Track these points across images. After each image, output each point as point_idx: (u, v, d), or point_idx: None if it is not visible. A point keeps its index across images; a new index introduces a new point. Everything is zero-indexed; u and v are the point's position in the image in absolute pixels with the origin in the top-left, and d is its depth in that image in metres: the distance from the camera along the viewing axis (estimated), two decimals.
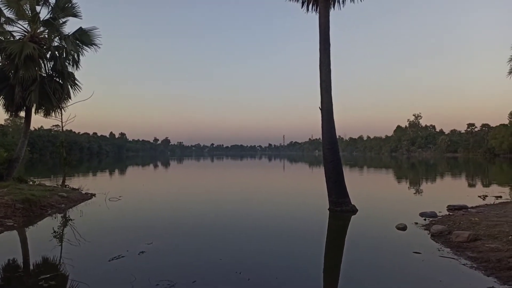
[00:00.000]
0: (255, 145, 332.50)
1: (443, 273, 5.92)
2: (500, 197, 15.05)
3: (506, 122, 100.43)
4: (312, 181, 26.89)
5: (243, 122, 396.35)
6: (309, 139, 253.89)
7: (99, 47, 17.43)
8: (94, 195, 15.41)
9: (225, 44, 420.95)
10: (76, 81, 17.51)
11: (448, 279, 5.59)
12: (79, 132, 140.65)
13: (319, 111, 13.03)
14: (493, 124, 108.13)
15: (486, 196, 15.26)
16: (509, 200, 13.94)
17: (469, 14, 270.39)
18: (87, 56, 17.89)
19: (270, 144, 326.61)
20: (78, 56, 17.06)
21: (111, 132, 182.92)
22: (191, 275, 5.73)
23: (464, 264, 6.22)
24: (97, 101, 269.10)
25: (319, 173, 17.66)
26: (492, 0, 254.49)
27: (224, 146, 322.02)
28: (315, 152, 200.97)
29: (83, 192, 15.95)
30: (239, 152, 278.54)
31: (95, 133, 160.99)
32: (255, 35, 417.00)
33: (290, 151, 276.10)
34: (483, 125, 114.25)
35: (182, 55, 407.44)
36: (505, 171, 39.85)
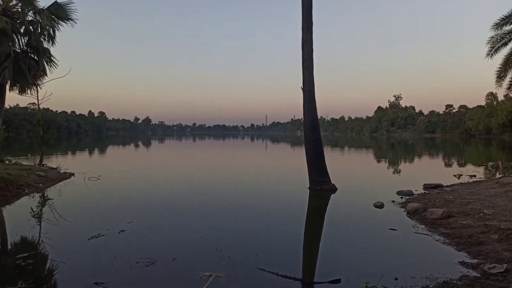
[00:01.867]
0: (237, 125, 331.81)
1: (417, 248, 6.14)
2: (474, 176, 15.56)
3: (483, 103, 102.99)
4: (293, 161, 27.14)
5: (225, 102, 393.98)
6: (292, 119, 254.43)
7: (76, 23, 16.76)
8: (72, 174, 15.19)
9: (208, 22, 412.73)
10: (52, 58, 16.90)
11: (421, 254, 5.80)
12: (56, 111, 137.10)
13: (301, 91, 13.04)
14: (470, 106, 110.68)
15: (461, 175, 15.76)
16: (482, 179, 14.44)
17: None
18: (64, 32, 17.23)
19: (252, 124, 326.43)
20: (54, 31, 16.41)
21: (90, 111, 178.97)
22: (172, 252, 5.77)
23: (437, 240, 6.46)
24: (76, 79, 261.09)
25: (300, 152, 17.82)
26: None
27: (206, 125, 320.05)
28: (297, 132, 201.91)
29: (62, 171, 15.71)
30: (222, 132, 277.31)
31: (73, 112, 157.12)
32: (237, 13, 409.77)
33: (273, 131, 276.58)
34: (461, 107, 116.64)
35: (164, 33, 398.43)
36: (480, 151, 41.07)
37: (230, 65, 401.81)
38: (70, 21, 16.64)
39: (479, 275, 4.68)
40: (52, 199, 10.61)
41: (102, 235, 6.60)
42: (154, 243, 6.45)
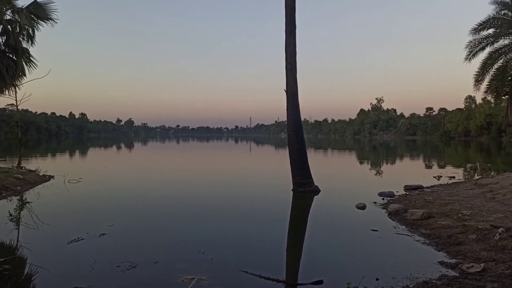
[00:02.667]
0: (221, 127, 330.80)
1: (397, 249, 6.24)
2: (453, 177, 15.91)
3: (462, 106, 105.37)
4: (277, 163, 27.23)
5: (209, 103, 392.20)
6: (276, 121, 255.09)
7: (56, 22, 16.53)
8: (52, 177, 14.88)
9: (191, 24, 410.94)
10: (31, 58, 16.61)
11: (402, 254, 5.90)
12: (36, 112, 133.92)
13: (285, 93, 13.10)
14: (450, 109, 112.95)
15: (441, 176, 16.09)
16: (461, 180, 14.77)
17: (431, 1, 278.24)
18: (44, 32, 16.87)
19: (236, 126, 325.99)
20: (33, 31, 16.14)
21: (70, 112, 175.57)
22: (154, 256, 5.70)
23: (417, 241, 6.57)
24: (56, 79, 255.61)
25: (284, 154, 17.90)
26: None
27: (190, 127, 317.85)
28: (281, 134, 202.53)
29: (41, 174, 15.35)
30: (206, 133, 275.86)
31: (53, 113, 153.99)
32: (221, 15, 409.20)
33: (257, 133, 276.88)
34: (441, 109, 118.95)
35: (146, 34, 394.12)
36: (459, 153, 42.03)
37: (214, 66, 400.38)
38: (50, 20, 16.37)
39: (457, 274, 4.78)
40: (31, 202, 10.36)
41: (82, 239, 6.48)
42: (136, 246, 6.36)
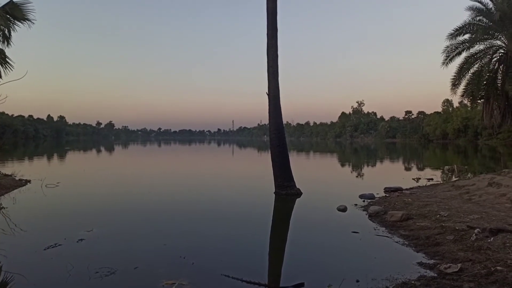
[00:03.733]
0: (204, 130, 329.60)
1: (378, 250, 6.31)
2: (432, 179, 16.24)
3: (440, 110, 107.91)
4: (259, 166, 27.24)
5: (191, 106, 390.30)
6: (258, 124, 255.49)
7: (34, 23, 16.11)
8: (29, 181, 14.50)
9: (173, 26, 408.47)
10: (7, 59, 16.10)
11: (382, 256, 5.97)
12: (13, 115, 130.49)
13: (267, 96, 13.14)
14: (428, 112, 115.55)
15: (419, 178, 16.40)
16: (439, 182, 15.09)
17: (409, 7, 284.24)
18: (21, 32, 16.44)
19: (219, 129, 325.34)
20: (10, 32, 15.68)
21: (49, 115, 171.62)
22: (133, 261, 5.61)
23: (397, 242, 6.67)
24: (33, 81, 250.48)
25: (266, 157, 17.94)
26: None
27: (172, 130, 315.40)
28: (264, 137, 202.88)
29: (17, 178, 14.94)
30: (188, 137, 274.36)
31: (31, 116, 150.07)
32: (204, 18, 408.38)
33: (239, 136, 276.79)
34: (419, 113, 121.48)
35: (127, 35, 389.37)
36: (437, 155, 42.95)
37: (197, 69, 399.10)
38: (27, 21, 15.95)
39: (435, 275, 4.87)
40: (6, 207, 10.03)
41: (60, 245, 6.32)
42: (115, 251, 6.25)
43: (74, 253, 5.98)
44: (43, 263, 5.60)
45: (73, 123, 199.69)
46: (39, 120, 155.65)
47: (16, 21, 15.82)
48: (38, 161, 31.09)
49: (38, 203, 10.99)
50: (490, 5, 18.94)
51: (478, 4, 19.11)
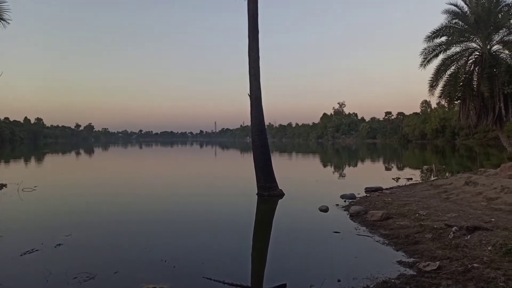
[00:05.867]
0: (186, 132, 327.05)
1: (359, 250, 6.38)
2: (411, 179, 16.55)
3: (419, 111, 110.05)
4: (241, 167, 27.20)
5: (173, 108, 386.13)
6: (241, 125, 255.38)
7: (9, 23, 15.71)
8: (5, 185, 14.08)
9: (154, 26, 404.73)
10: None
11: (362, 255, 6.04)
12: None
13: (249, 98, 13.14)
14: (407, 113, 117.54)
15: (399, 178, 16.69)
16: (418, 182, 15.39)
17: (388, 9, 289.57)
18: None
19: (201, 131, 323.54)
20: None
21: (25, 117, 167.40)
22: (113, 265, 5.51)
23: (377, 241, 6.76)
24: (9, 82, 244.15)
25: (249, 159, 17.92)
26: None
27: (154, 132, 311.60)
28: (247, 138, 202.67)
29: None
30: (170, 138, 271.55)
31: (6, 118, 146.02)
32: (185, 18, 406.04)
33: (222, 138, 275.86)
34: (399, 114, 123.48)
35: (108, 35, 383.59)
36: (416, 155, 43.80)
37: (178, 70, 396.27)
38: (1, 21, 15.54)
39: (415, 273, 4.95)
40: None
41: (37, 250, 6.16)
42: (94, 256, 6.13)
43: (52, 259, 5.84)
44: (19, 269, 5.44)
45: (51, 125, 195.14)
46: (15, 122, 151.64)
47: None
48: (15, 164, 30.26)
49: (15, 207, 10.68)
50: (466, 8, 19.48)
51: (454, 8, 19.63)
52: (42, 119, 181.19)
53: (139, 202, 11.72)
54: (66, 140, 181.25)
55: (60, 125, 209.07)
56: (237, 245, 7.01)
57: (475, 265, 4.83)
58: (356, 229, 7.72)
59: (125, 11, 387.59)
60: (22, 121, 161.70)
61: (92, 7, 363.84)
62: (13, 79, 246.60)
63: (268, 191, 12.20)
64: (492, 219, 6.99)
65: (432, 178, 16.40)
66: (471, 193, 10.24)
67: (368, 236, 7.10)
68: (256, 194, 12.29)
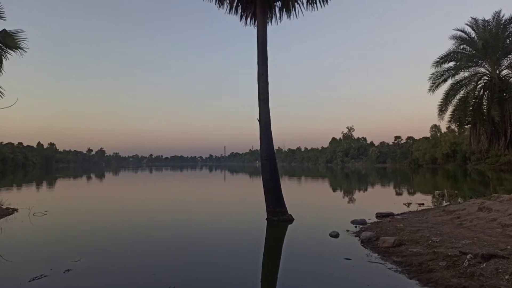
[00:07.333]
0: (195, 156, 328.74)
1: (371, 277, 6.24)
2: (423, 204, 16.27)
3: (428, 135, 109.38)
4: (251, 191, 27.07)
5: (183, 132, 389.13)
6: (250, 150, 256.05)
7: (26, 51, 16.22)
8: (16, 210, 14.20)
9: (165, 53, 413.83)
10: None
11: (375, 283, 5.91)
12: (2, 142, 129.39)
13: (258, 122, 13.25)
14: (417, 137, 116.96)
15: (410, 203, 16.43)
16: (430, 207, 15.12)
17: (397, 34, 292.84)
18: (12, 59, 16.45)
19: (211, 155, 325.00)
20: (1, 60, 15.75)
21: (39, 142, 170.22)
22: None
23: (390, 268, 6.61)
24: (24, 108, 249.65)
25: (258, 183, 17.87)
26: (420, 21, 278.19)
27: (164, 157, 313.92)
28: (256, 162, 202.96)
29: (4, 207, 14.62)
30: (179, 163, 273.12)
31: (20, 143, 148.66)
32: (196, 44, 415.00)
33: (231, 162, 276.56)
34: (408, 138, 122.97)
35: (118, 62, 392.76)
36: (428, 180, 43.21)
37: (188, 95, 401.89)
38: (19, 49, 16.05)
39: None
40: None
41: (45, 276, 6.15)
42: (102, 282, 6.09)
43: (60, 285, 5.83)
44: None
45: (64, 150, 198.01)
46: (28, 147, 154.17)
47: (8, 50, 15.92)
48: (27, 189, 30.55)
49: (25, 232, 10.73)
50: (473, 34, 19.61)
51: (461, 34, 19.78)
52: (55, 144, 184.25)
53: (147, 227, 11.68)
54: (77, 164, 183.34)
55: (72, 150, 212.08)
56: (246, 271, 6.91)
57: None
58: (367, 255, 7.58)
59: (137, 36, 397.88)
60: (35, 146, 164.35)
61: (104, 33, 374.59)
62: (27, 104, 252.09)
63: (278, 216, 12.10)
64: (508, 246, 6.81)
65: (445, 204, 16.10)
66: (485, 219, 10.02)
67: (380, 263, 6.95)
68: (266, 219, 12.19)
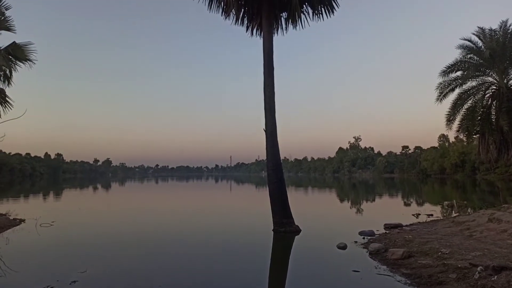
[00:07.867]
0: (201, 166, 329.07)
1: None
2: (432, 215, 16.07)
3: (436, 145, 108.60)
4: (257, 202, 26.96)
5: (189, 143, 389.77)
6: (256, 160, 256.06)
7: (35, 63, 16.49)
8: (23, 220, 14.26)
9: (171, 64, 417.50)
10: (7, 99, 16.33)
11: None
12: (9, 153, 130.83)
13: (264, 133, 13.25)
14: (424, 147, 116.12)
15: (419, 214, 16.23)
16: (439, 218, 14.92)
17: (404, 43, 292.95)
18: (20, 71, 16.72)
19: (217, 165, 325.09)
20: (11, 72, 16.01)
21: (46, 153, 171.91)
22: None
23: (399, 281, 6.51)
24: (31, 119, 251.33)
25: (264, 193, 17.80)
26: (425, 30, 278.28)
27: (170, 167, 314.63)
28: (262, 173, 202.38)
29: (11, 217, 14.70)
30: (185, 173, 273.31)
31: (28, 154, 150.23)
32: (201, 54, 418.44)
33: (237, 172, 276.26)
34: (416, 148, 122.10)
35: (124, 73, 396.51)
36: (436, 190, 42.76)
37: (194, 105, 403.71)
38: (28, 61, 16.32)
39: None
40: None
41: (52, 287, 6.13)
42: None
43: None
44: None
45: (71, 161, 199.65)
46: (36, 158, 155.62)
47: (17, 61, 16.19)
48: (34, 199, 30.72)
49: (32, 243, 10.76)
50: (480, 43, 19.56)
51: (468, 43, 19.74)
52: (62, 155, 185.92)
53: (153, 238, 11.67)
54: (84, 175, 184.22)
55: (79, 160, 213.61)
56: (253, 283, 6.84)
57: None
58: (376, 268, 7.47)
59: (143, 45, 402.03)
60: (42, 156, 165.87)
61: (110, 44, 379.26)
62: (34, 115, 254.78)
63: (285, 227, 12.01)
64: None
65: (454, 215, 15.88)
66: (495, 231, 9.86)
67: (389, 276, 6.85)
68: (272, 230, 12.10)
